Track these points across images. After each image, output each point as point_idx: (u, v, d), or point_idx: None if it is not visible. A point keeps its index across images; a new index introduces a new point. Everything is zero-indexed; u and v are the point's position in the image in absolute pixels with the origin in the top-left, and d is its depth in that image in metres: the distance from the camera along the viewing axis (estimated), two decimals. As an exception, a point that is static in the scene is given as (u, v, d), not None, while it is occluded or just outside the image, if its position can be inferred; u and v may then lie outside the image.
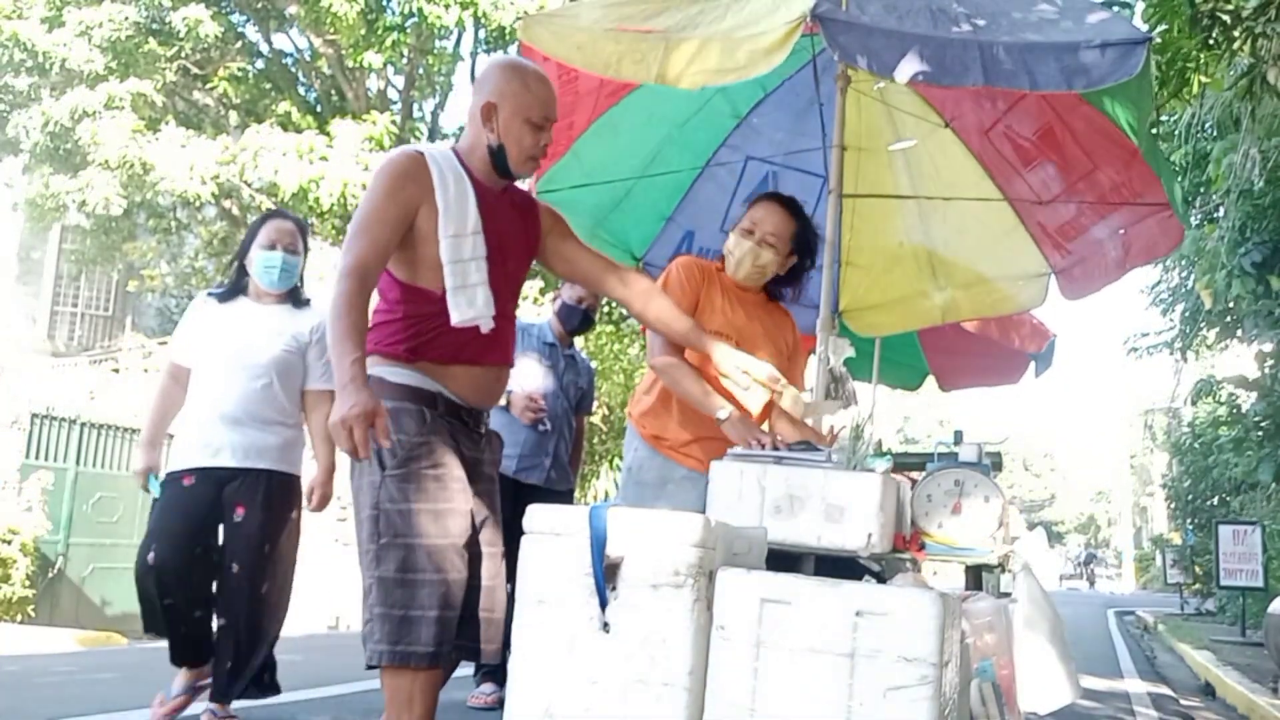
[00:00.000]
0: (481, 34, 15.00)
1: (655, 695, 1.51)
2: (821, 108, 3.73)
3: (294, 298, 3.53)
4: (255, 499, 3.34)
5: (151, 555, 3.25)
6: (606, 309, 12.53)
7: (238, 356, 3.39)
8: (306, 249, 3.59)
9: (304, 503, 3.50)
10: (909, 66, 2.33)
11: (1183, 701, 7.13)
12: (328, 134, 13.56)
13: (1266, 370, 10.99)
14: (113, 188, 13.10)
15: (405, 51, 14.45)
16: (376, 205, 2.29)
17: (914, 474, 3.05)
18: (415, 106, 16.41)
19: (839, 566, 2.63)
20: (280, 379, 3.42)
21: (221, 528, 3.38)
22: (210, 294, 3.59)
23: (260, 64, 15.95)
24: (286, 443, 3.45)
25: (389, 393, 2.26)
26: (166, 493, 3.38)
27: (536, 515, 1.62)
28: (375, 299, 2.38)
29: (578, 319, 4.53)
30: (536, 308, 12.57)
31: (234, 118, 15.58)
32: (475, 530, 2.29)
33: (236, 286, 3.53)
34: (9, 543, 9.42)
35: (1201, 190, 9.67)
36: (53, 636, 8.78)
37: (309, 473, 3.49)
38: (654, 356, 2.97)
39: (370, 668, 2.19)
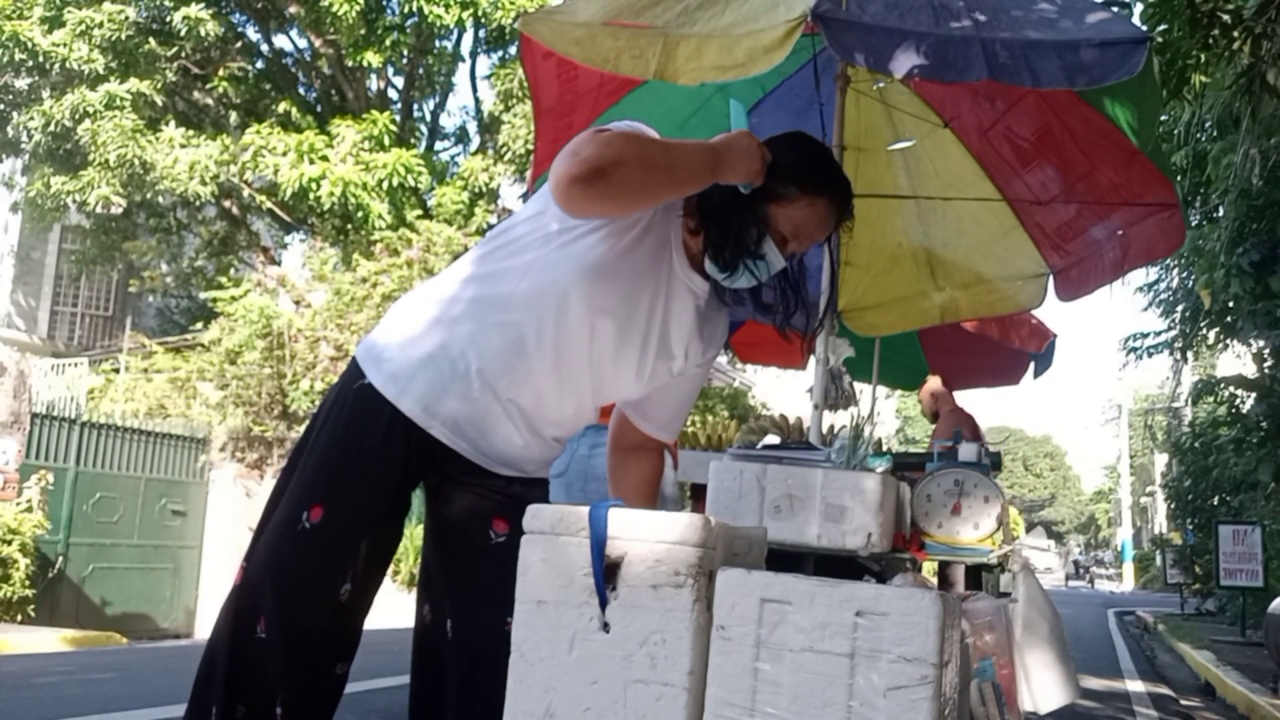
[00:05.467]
0: (481, 34, 15.02)
1: (655, 695, 1.51)
2: (821, 108, 3.72)
3: None
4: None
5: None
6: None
7: None
8: None
9: None
10: (909, 61, 2.32)
11: (1183, 701, 7.13)
12: (328, 134, 13.57)
13: (1266, 370, 10.97)
14: (113, 187, 13.11)
15: (405, 51, 14.46)
16: None
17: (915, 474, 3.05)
18: (415, 106, 16.43)
19: (839, 566, 2.64)
20: None
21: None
22: None
23: (260, 64, 15.96)
24: None
25: None
26: None
27: (536, 515, 1.61)
28: None
29: None
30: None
31: (234, 118, 15.60)
32: None
33: None
34: (9, 543, 9.42)
35: (1201, 190, 9.65)
36: (52, 637, 8.79)
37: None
38: None
39: None
